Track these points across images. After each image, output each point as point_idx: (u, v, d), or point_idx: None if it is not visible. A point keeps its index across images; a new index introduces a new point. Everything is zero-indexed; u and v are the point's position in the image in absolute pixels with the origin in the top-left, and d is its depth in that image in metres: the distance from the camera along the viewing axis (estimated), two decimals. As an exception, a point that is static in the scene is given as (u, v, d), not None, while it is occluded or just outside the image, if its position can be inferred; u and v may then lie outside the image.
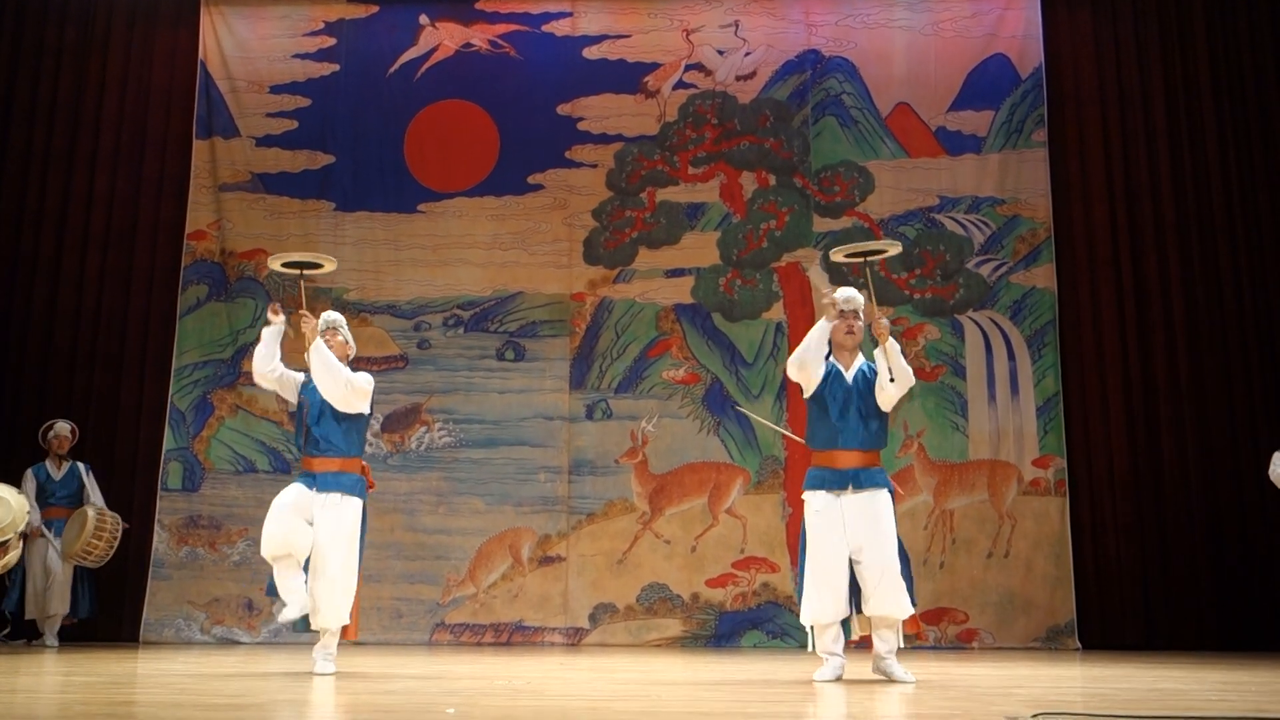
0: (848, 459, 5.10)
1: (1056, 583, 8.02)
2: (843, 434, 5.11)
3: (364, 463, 5.49)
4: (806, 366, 5.11)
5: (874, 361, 5.21)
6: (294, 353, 5.67)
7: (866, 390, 5.15)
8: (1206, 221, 8.41)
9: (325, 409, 5.37)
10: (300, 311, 5.39)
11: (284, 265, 5.67)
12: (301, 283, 5.69)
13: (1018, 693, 4.48)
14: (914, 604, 5.06)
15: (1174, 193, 8.47)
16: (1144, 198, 8.49)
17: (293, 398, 5.53)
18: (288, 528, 5.15)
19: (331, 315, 5.60)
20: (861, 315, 5.24)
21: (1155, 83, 8.62)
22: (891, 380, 5.03)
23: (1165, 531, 8.05)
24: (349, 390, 5.33)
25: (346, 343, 5.57)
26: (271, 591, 5.31)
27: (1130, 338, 8.34)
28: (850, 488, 5.04)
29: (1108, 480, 8.19)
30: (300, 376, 5.50)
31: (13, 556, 6.93)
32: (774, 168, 8.79)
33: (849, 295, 5.23)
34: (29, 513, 7.02)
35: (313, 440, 5.36)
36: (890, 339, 5.10)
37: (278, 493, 8.13)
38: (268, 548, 5.21)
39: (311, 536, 5.21)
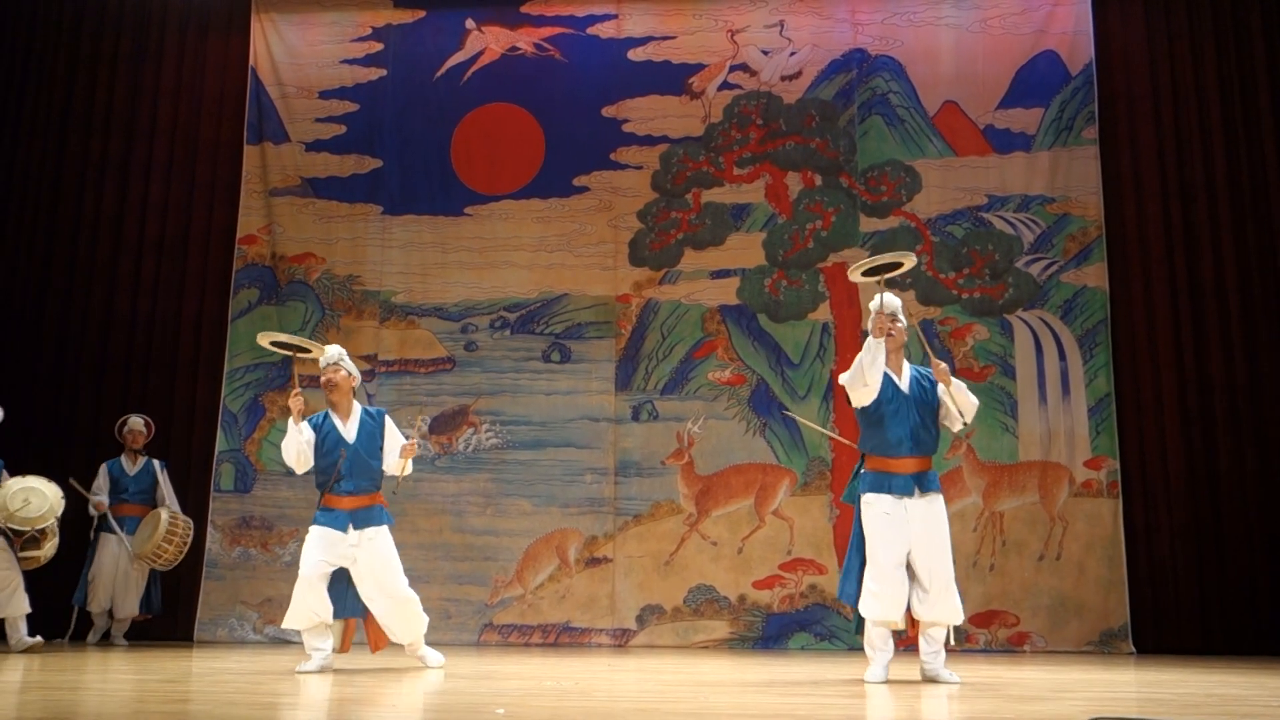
0: (907, 465, 5.18)
1: (1109, 586, 7.90)
2: (903, 442, 5.17)
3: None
4: (868, 385, 5.13)
5: (922, 367, 5.37)
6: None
7: (921, 397, 5.22)
8: (1264, 218, 8.24)
9: (359, 454, 5.60)
10: (295, 391, 5.62)
11: (272, 344, 5.91)
12: (294, 365, 5.92)
13: (1071, 696, 4.43)
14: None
15: (1229, 189, 8.31)
16: (1198, 195, 8.34)
17: (309, 462, 5.63)
18: (318, 604, 5.47)
19: (332, 351, 5.79)
20: (901, 317, 5.30)
21: (1209, 77, 8.46)
22: (962, 417, 5.21)
23: (1222, 533, 7.90)
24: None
25: (351, 375, 5.76)
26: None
27: (1185, 337, 8.19)
28: (916, 492, 5.12)
29: (1162, 482, 8.05)
30: (311, 434, 5.63)
31: (49, 549, 7.04)
32: (820, 168, 8.74)
33: (885, 300, 5.30)
34: (63, 501, 7.13)
35: (345, 483, 5.57)
36: (953, 380, 5.21)
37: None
38: (299, 623, 5.51)
39: (330, 603, 5.52)
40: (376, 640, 5.75)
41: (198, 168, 9.14)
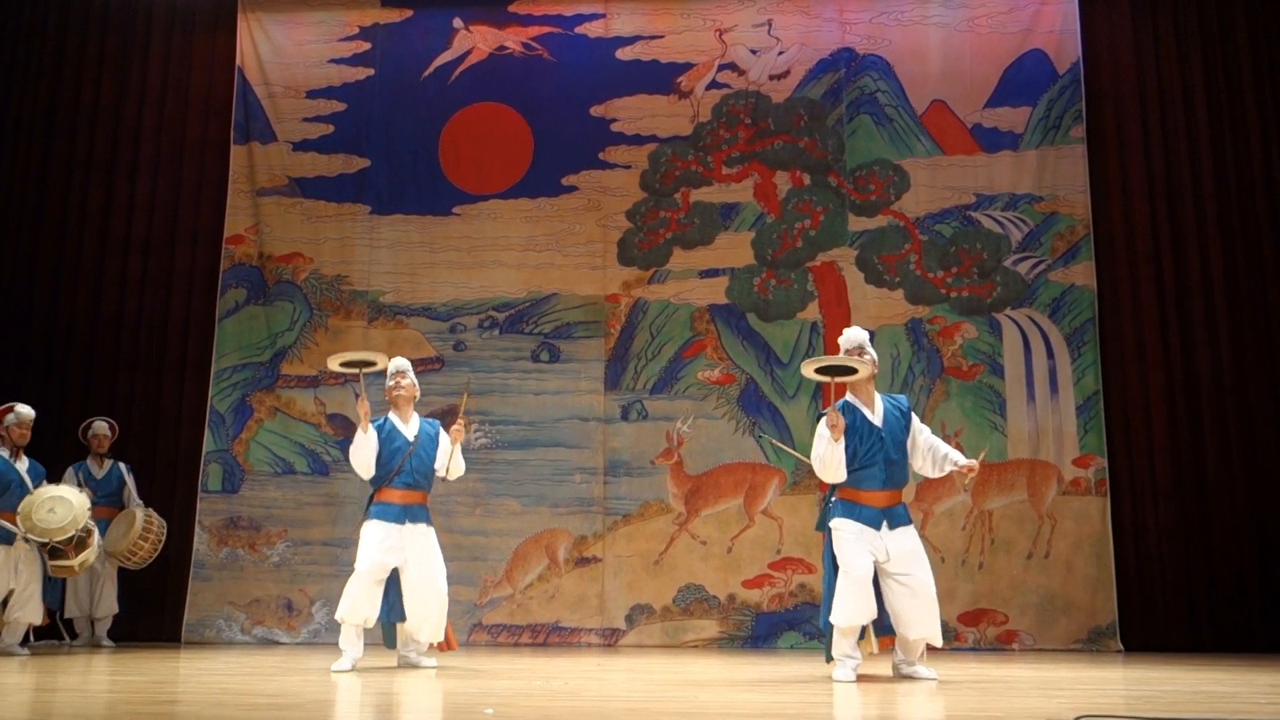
0: (878, 498, 5.24)
1: (1098, 584, 7.92)
2: (873, 477, 5.25)
3: None
4: (827, 474, 5.26)
5: (894, 395, 5.50)
6: (335, 351, 5.94)
7: (897, 433, 5.29)
8: (1249, 216, 8.28)
9: (419, 452, 5.90)
10: (362, 397, 5.88)
11: (342, 365, 6.07)
12: (361, 378, 6.03)
13: (1059, 694, 4.43)
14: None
15: (1216, 188, 8.34)
16: (1185, 193, 8.37)
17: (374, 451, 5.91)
18: (368, 606, 5.70)
19: (399, 362, 6.14)
20: (868, 349, 5.40)
21: (1196, 76, 8.49)
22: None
23: (1210, 531, 7.93)
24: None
25: (414, 385, 6.11)
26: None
27: (1172, 335, 8.21)
28: (885, 525, 5.18)
29: (1150, 480, 8.07)
30: (375, 434, 5.89)
31: (84, 556, 6.97)
32: (808, 167, 8.75)
33: (850, 336, 5.44)
34: (89, 510, 7.09)
35: (403, 477, 5.85)
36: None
37: (315, 494, 8.31)
38: (349, 617, 5.69)
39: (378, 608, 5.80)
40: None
41: (184, 167, 9.10)
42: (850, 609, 5.08)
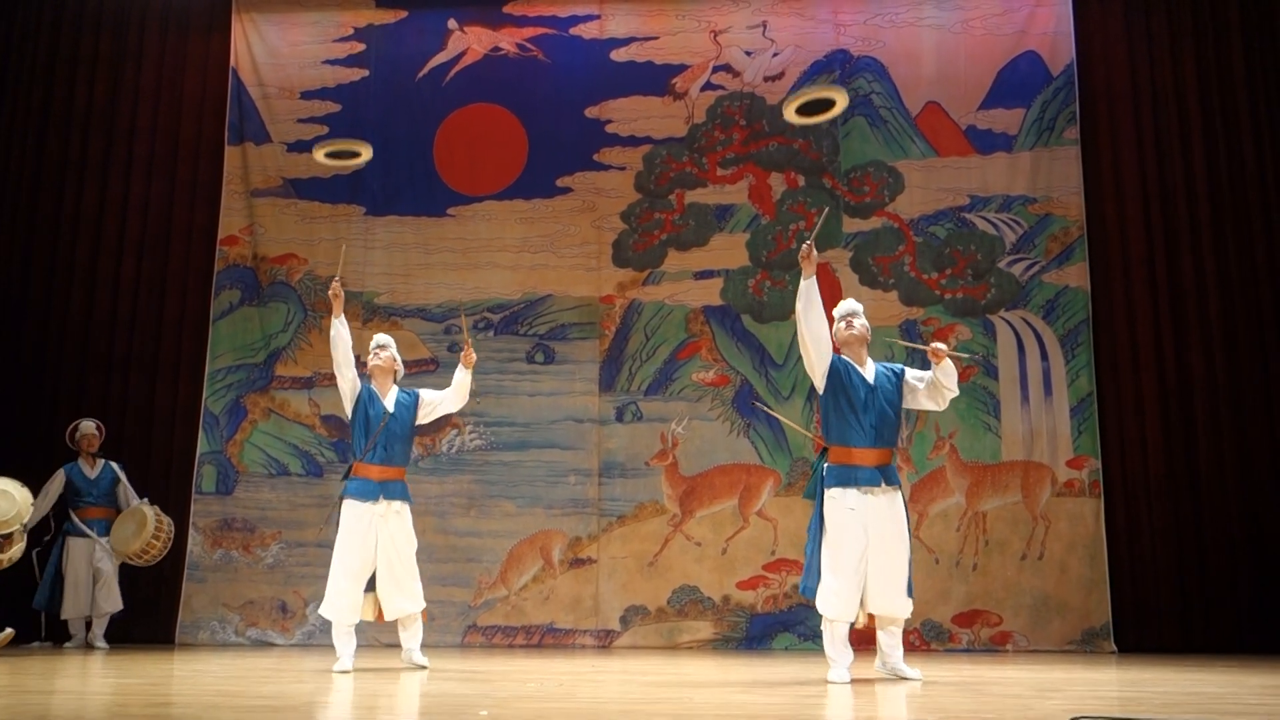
0: (870, 456, 5.25)
1: (1091, 585, 7.94)
2: (866, 434, 5.26)
3: None
4: (804, 316, 5.31)
5: (890, 364, 5.50)
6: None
7: (889, 391, 5.33)
8: (1243, 218, 8.30)
9: (395, 424, 5.95)
10: (336, 278, 6.20)
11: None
12: (342, 253, 6.40)
13: (1053, 695, 4.44)
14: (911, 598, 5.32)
15: (1209, 190, 8.36)
16: (1179, 195, 8.39)
17: (348, 396, 6.02)
18: (351, 605, 5.78)
19: (381, 337, 6.27)
20: (862, 317, 5.49)
21: (1189, 78, 8.52)
22: (947, 388, 5.36)
23: (1203, 533, 7.95)
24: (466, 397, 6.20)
25: (394, 359, 6.18)
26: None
27: (1165, 337, 8.24)
28: (881, 484, 5.19)
29: (1143, 481, 8.09)
30: (359, 385, 6.04)
31: (15, 551, 7.01)
32: (803, 168, 8.75)
33: (843, 305, 5.57)
34: (33, 505, 7.13)
35: (380, 451, 5.91)
36: (947, 360, 5.32)
37: (309, 495, 8.32)
38: (334, 616, 5.78)
39: (360, 606, 5.86)
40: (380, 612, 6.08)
41: (178, 168, 9.09)
42: (837, 602, 5.09)
